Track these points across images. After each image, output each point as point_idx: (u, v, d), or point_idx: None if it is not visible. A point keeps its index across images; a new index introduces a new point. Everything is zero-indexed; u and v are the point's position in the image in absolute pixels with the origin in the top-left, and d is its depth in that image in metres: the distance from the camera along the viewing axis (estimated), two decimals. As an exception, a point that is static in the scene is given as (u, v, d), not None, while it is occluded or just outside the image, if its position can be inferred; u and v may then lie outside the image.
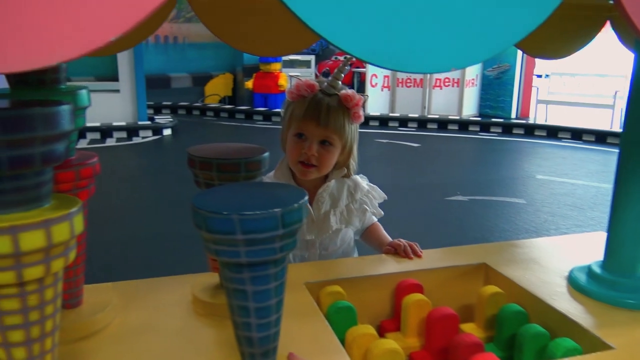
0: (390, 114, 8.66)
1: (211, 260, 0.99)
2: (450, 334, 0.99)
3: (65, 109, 0.55)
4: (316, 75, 10.06)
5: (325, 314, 0.99)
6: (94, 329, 0.89)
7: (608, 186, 5.21)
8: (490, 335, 1.07)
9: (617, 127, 7.81)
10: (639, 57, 0.97)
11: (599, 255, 1.12)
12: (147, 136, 7.29)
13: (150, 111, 8.21)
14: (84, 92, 0.83)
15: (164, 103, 9.49)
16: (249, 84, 9.36)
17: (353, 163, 1.37)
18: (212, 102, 9.93)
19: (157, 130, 7.40)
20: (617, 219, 1.05)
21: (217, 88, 9.97)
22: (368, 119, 8.46)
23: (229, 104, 9.85)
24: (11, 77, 0.80)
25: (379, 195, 1.40)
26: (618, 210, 1.05)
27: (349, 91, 1.28)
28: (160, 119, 7.85)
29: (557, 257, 1.21)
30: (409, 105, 8.73)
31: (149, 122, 7.45)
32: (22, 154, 0.53)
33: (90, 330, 0.88)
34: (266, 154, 0.90)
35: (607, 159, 6.61)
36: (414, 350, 1.04)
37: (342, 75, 1.29)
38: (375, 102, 8.70)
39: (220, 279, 0.96)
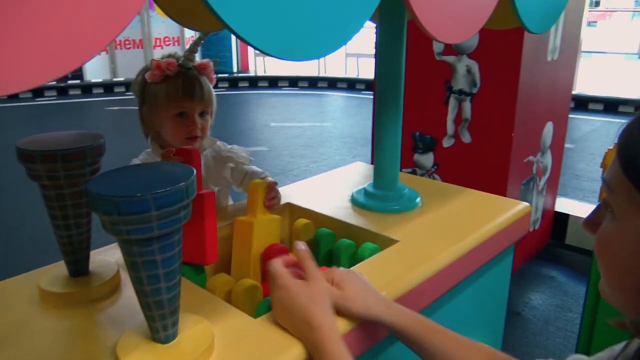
0: (114, 79, 8.21)
1: None
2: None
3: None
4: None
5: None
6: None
7: (328, 124, 6.08)
8: (306, 258, 1.33)
9: (323, 73, 8.98)
10: (381, 28, 1.28)
11: (365, 180, 1.47)
12: None
13: None
14: None
15: None
16: None
17: None
18: None
19: None
20: (379, 149, 1.39)
21: None
22: (91, 86, 7.88)
23: None
24: None
25: (240, 149, 1.48)
26: (379, 142, 1.39)
27: (204, 60, 1.39)
28: None
29: (339, 186, 1.52)
30: (132, 67, 8.38)
31: None
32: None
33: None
34: (103, 138, 0.94)
35: (321, 101, 7.63)
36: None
37: (198, 48, 1.37)
38: (94, 67, 8.11)
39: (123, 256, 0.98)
